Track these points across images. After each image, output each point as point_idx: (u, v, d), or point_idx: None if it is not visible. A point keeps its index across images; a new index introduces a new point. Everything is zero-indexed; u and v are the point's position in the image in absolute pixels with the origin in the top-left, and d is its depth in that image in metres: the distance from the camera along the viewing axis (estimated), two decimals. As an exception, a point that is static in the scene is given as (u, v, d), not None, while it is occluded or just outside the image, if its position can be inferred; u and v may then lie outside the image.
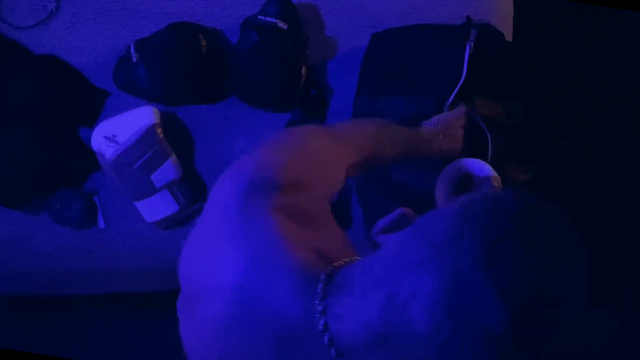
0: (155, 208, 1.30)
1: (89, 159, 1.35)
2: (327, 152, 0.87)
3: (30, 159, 1.32)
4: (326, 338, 0.64)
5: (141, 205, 1.30)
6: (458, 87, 1.24)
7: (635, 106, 2.13)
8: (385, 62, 1.33)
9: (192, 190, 1.33)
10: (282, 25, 1.28)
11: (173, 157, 1.30)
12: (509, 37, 1.44)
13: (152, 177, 1.28)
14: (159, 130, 1.28)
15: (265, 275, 0.68)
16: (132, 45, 1.30)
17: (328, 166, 0.85)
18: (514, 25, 1.47)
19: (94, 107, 1.35)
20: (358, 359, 0.65)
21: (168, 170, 1.29)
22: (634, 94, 2.13)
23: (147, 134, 1.27)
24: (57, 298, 1.47)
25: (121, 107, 1.35)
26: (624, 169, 2.12)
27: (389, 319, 0.60)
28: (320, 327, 0.64)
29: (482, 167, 1.15)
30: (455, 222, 0.58)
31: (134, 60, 1.29)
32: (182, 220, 1.34)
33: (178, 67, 1.29)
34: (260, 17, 1.29)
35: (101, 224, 1.36)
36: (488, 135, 1.24)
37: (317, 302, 0.65)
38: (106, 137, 1.27)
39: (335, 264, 0.69)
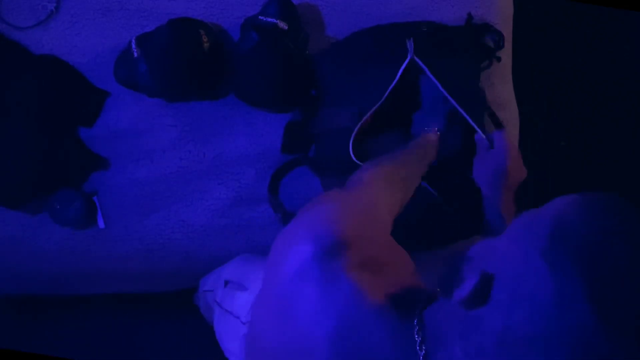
0: None
1: (89, 159, 1.35)
2: (378, 199, 0.89)
3: (30, 159, 1.32)
4: None
5: None
6: (385, 96, 1.25)
7: (635, 106, 2.13)
8: (335, 70, 1.34)
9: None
10: (282, 25, 1.28)
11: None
12: (509, 37, 1.44)
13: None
14: None
15: (359, 332, 0.69)
16: (133, 41, 1.30)
17: (379, 214, 0.87)
18: (514, 25, 1.47)
19: (94, 107, 1.35)
20: None
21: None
22: (634, 94, 2.13)
23: None
24: (57, 298, 1.47)
25: (121, 107, 1.35)
26: (624, 169, 2.12)
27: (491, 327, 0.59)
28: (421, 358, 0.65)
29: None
30: (550, 284, 0.56)
31: (135, 55, 1.29)
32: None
33: (179, 63, 1.29)
34: (260, 17, 1.30)
35: (101, 224, 1.36)
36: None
37: (417, 348, 0.65)
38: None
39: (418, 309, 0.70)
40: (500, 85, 1.44)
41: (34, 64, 1.32)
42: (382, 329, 0.68)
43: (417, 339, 0.66)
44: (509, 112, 1.46)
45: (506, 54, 1.43)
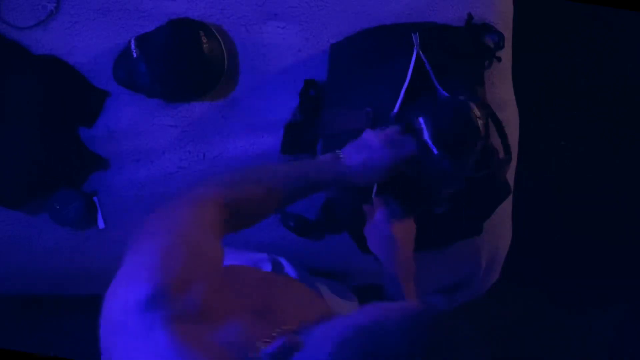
0: None
1: (89, 159, 1.35)
2: (191, 231, 0.79)
3: (30, 159, 1.32)
4: None
5: None
6: (401, 96, 1.23)
7: (635, 106, 2.13)
8: (341, 72, 1.34)
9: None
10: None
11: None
12: (509, 37, 1.44)
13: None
14: None
15: None
16: (133, 41, 1.30)
17: (201, 246, 0.78)
18: (514, 25, 1.47)
19: (94, 107, 1.35)
20: None
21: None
22: (634, 94, 2.13)
23: None
24: (57, 298, 1.47)
25: (121, 107, 1.35)
26: (624, 169, 2.12)
27: None
28: None
29: None
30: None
31: (135, 55, 1.29)
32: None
33: (178, 63, 1.29)
34: None
35: (101, 224, 1.36)
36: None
37: None
38: None
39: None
40: (500, 85, 1.44)
41: (33, 64, 1.32)
42: None
43: None
44: (509, 112, 1.46)
45: (506, 54, 1.43)
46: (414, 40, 1.25)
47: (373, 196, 1.18)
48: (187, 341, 0.66)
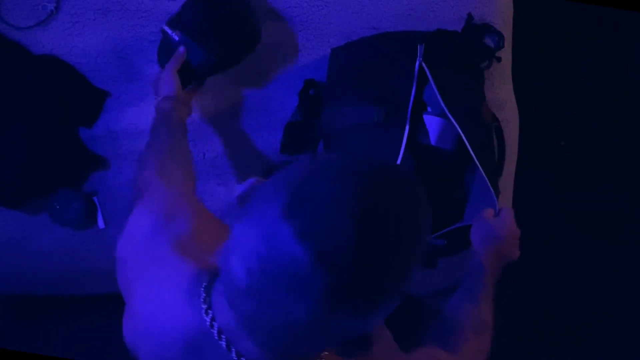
0: None
1: (89, 159, 1.35)
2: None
3: (30, 159, 1.32)
4: (215, 332, 0.69)
5: None
6: (411, 104, 1.22)
7: (635, 106, 2.13)
8: (343, 75, 1.33)
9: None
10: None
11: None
12: (508, 37, 1.44)
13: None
14: None
15: (164, 296, 0.79)
16: (167, 27, 1.24)
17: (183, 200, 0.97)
18: (514, 25, 1.47)
19: (94, 107, 1.35)
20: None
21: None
22: (634, 94, 2.13)
23: None
24: (57, 298, 1.47)
25: (121, 107, 1.35)
26: (624, 169, 2.12)
27: (223, 279, 0.65)
28: (208, 322, 0.69)
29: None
30: (276, 178, 0.63)
31: (176, 39, 1.22)
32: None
33: (224, 20, 1.23)
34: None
35: (101, 224, 1.36)
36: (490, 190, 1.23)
37: (202, 301, 0.71)
38: None
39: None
40: (500, 85, 1.44)
41: (34, 64, 1.32)
42: (180, 293, 0.76)
43: (202, 293, 0.72)
44: (509, 112, 1.46)
45: (506, 54, 1.43)
46: (418, 50, 1.23)
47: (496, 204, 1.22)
48: (179, 254, 0.81)
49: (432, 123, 1.26)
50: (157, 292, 0.81)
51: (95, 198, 1.36)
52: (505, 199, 1.46)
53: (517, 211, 1.25)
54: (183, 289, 0.75)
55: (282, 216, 0.57)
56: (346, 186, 0.59)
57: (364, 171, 0.61)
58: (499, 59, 1.40)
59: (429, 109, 1.27)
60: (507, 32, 1.43)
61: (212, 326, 0.69)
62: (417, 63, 1.21)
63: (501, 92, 1.45)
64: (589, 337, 2.09)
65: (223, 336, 0.68)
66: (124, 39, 1.33)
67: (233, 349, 0.68)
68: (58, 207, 1.32)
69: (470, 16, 1.38)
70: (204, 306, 0.70)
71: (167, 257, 0.82)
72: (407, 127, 1.20)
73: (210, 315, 0.69)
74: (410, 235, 0.62)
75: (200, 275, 0.75)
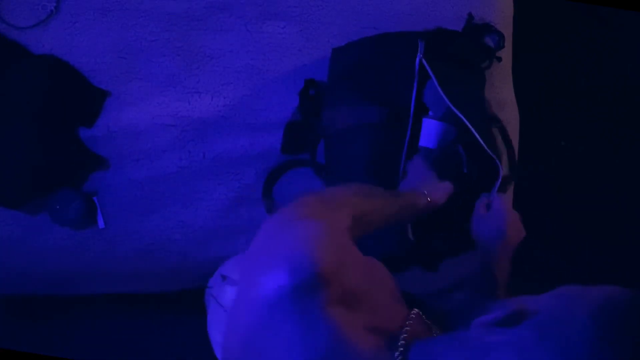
0: None
1: (89, 159, 1.35)
2: (334, 223, 0.79)
3: (30, 159, 1.31)
4: None
5: None
6: (413, 105, 1.22)
7: (635, 106, 2.13)
8: (344, 75, 1.33)
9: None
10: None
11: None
12: (509, 37, 1.44)
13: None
14: None
15: None
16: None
17: (345, 236, 0.79)
18: (514, 25, 1.47)
19: (94, 107, 1.35)
20: None
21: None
22: (634, 94, 2.13)
23: None
24: (57, 298, 1.47)
25: (121, 107, 1.35)
26: (624, 169, 2.12)
27: None
28: None
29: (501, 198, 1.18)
30: (592, 337, 0.57)
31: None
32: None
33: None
34: None
35: (101, 224, 1.36)
36: (499, 165, 1.23)
37: None
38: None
39: (401, 340, 0.66)
40: (500, 85, 1.44)
41: (34, 64, 1.32)
42: None
43: None
44: (509, 112, 1.46)
45: (506, 54, 1.43)
46: (419, 46, 1.23)
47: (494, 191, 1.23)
48: (345, 325, 0.65)
49: (431, 127, 1.26)
50: None
51: (95, 198, 1.36)
52: (505, 199, 1.46)
53: (517, 211, 1.25)
54: None
55: (617, 342, 0.56)
56: None
57: None
58: (499, 59, 1.40)
59: (430, 113, 1.27)
60: (507, 32, 1.43)
61: None
62: (418, 59, 1.21)
63: (501, 92, 1.45)
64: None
65: None
66: (124, 38, 1.33)
67: None
68: (58, 207, 1.32)
69: (470, 16, 1.38)
70: None
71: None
72: (409, 129, 1.20)
73: None
74: None
75: (385, 353, 0.65)
